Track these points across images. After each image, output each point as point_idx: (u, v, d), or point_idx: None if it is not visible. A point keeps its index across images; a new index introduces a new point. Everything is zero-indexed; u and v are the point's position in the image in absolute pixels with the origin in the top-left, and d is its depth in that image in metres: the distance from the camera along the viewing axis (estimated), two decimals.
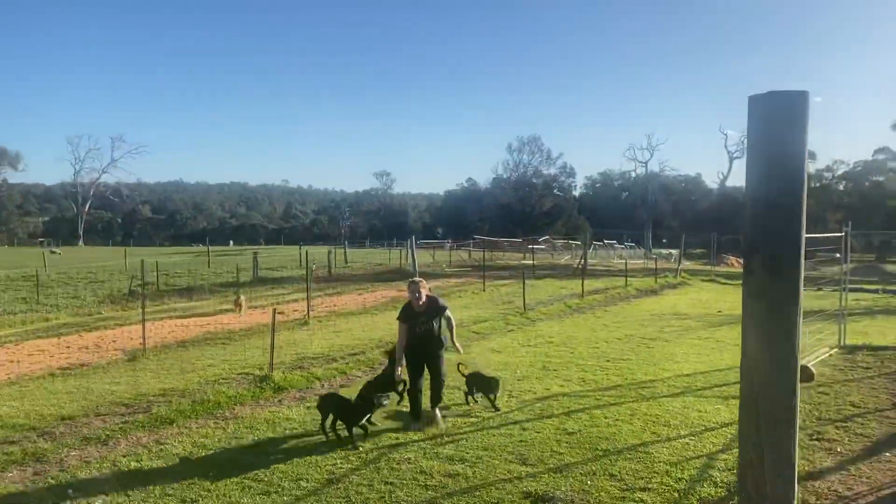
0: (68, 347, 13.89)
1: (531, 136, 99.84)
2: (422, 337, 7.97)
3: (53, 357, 12.71)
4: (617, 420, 8.09)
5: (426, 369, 8.11)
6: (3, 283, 28.55)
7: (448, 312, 8.20)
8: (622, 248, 57.28)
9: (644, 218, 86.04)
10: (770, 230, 3.33)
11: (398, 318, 8.11)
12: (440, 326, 8.09)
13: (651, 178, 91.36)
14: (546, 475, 6.40)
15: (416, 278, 8.27)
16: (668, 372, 10.87)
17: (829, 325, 13.11)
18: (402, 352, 8.03)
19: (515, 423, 8.04)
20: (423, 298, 7.91)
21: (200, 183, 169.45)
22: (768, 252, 3.32)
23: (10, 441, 7.33)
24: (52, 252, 59.60)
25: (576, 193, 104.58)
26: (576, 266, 32.10)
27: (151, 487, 6.10)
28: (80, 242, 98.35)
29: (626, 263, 36.63)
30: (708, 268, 40.74)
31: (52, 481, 6.24)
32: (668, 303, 22.55)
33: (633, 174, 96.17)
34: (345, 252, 45.12)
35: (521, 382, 10.13)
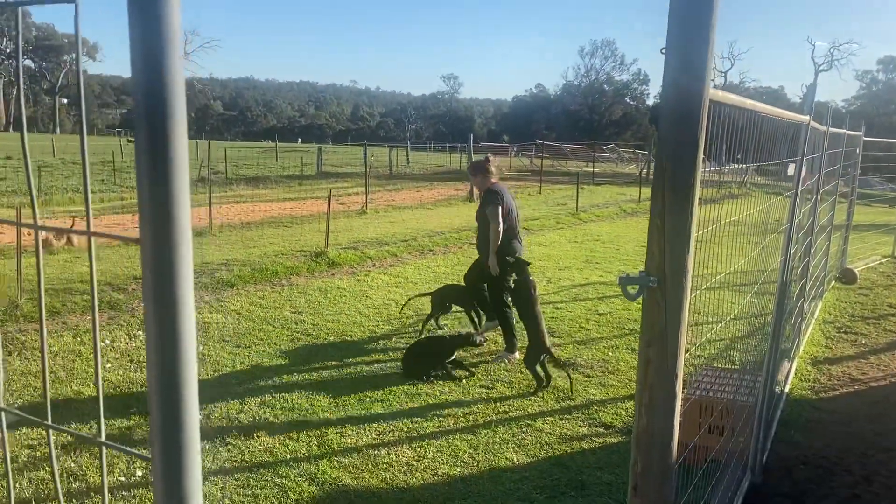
0: None
1: (605, 39, 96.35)
2: (479, 231, 7.02)
3: (127, 230, 13.66)
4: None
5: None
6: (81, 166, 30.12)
7: (490, 207, 6.53)
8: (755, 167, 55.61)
9: (719, 130, 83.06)
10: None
11: (495, 203, 6.51)
12: (483, 222, 6.73)
13: (730, 89, 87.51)
14: (571, 346, 6.84)
15: (484, 160, 6.84)
16: (709, 269, 11.02)
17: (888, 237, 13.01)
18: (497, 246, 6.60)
19: (550, 303, 8.45)
20: (487, 175, 6.67)
21: (270, 81, 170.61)
22: None
23: (88, 292, 8.13)
24: (129, 141, 61.89)
25: (649, 102, 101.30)
26: (639, 174, 31.69)
27: (210, 334, 6.80)
28: None
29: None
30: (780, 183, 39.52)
31: (124, 324, 7.00)
32: (729, 211, 22.25)
33: (712, 84, 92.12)
34: (407, 153, 45.45)
35: (561, 272, 10.49)
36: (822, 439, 4.90)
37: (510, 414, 5.18)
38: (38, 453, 4.29)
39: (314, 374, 5.86)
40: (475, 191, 18.88)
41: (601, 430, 4.93)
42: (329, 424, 4.86)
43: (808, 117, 4.06)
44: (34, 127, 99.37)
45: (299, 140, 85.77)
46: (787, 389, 5.67)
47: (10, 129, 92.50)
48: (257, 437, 4.60)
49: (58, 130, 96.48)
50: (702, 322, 4.41)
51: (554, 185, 27.99)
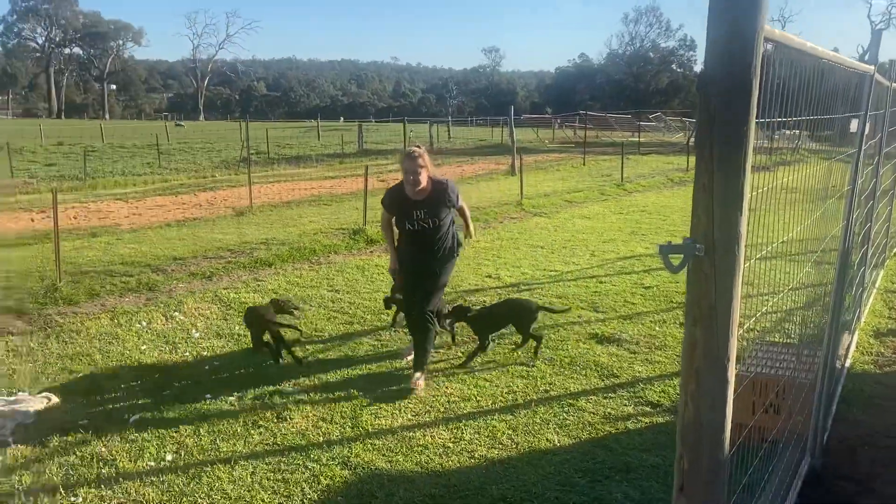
0: (184, 204, 14.96)
1: (649, 5, 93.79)
2: (418, 239, 5.16)
3: (170, 212, 13.75)
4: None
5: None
6: (130, 150, 30.65)
7: (462, 203, 5.36)
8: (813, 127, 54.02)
9: (769, 95, 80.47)
10: None
11: (382, 203, 5.34)
12: (450, 225, 5.26)
13: (780, 50, 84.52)
14: (616, 321, 6.57)
15: (415, 148, 5.09)
16: (762, 239, 10.58)
17: None
18: (394, 252, 5.39)
19: (593, 277, 8.17)
20: (424, 182, 4.98)
21: (312, 60, 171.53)
22: None
23: (128, 274, 8.14)
24: (178, 125, 62.93)
25: (696, 69, 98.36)
26: (686, 143, 30.82)
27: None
28: (201, 117, 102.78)
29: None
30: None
31: (161, 305, 6.96)
32: (783, 176, 21.48)
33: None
34: (448, 128, 45.09)
35: (605, 244, 10.17)
36: (887, 417, 4.56)
37: (551, 393, 4.96)
38: (70, 437, 4.24)
39: (349, 353, 5.73)
40: (516, 164, 18.53)
41: (647, 409, 4.68)
42: (363, 406, 4.71)
43: (872, 67, 3.70)
44: (84, 113, 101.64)
45: (341, 119, 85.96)
46: (848, 364, 5.33)
47: (62, 116, 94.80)
48: (290, 419, 4.48)
49: (107, 116, 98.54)
50: (754, 294, 4.13)
51: (598, 156, 27.41)
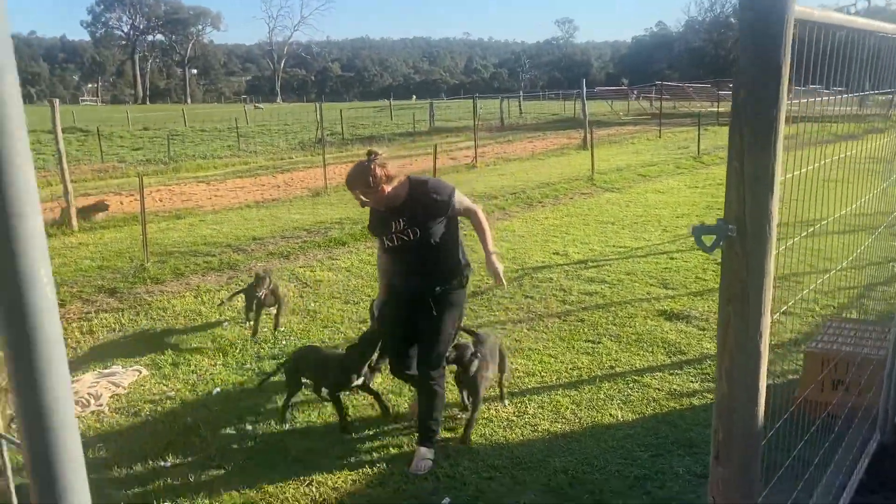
0: (262, 185, 15.47)
1: None
2: (399, 258, 3.92)
3: (249, 193, 14.26)
4: (776, 254, 7.88)
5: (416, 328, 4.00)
6: (211, 133, 31.76)
7: (460, 204, 3.84)
8: (828, 93, 51.63)
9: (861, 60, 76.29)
10: None
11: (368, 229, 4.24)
12: (448, 240, 3.85)
13: (874, 13, 79.93)
14: (685, 297, 6.52)
15: (353, 172, 3.75)
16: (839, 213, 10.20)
17: None
18: (382, 284, 4.23)
19: (664, 253, 8.10)
20: (381, 187, 3.69)
21: (385, 39, 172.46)
22: None
23: (210, 254, 8.55)
24: (256, 107, 64.65)
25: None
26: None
27: (321, 292, 6.99)
28: (279, 99, 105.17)
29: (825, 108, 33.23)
30: None
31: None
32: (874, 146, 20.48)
33: (853, 9, 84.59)
34: (519, 103, 44.73)
35: (678, 219, 10.01)
36: None
37: (617, 369, 5.00)
38: (160, 407, 4.57)
39: None
40: (588, 138, 18.11)
41: (714, 385, 4.67)
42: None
43: None
44: (168, 98, 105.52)
45: (413, 97, 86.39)
46: None
47: (147, 102, 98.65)
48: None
49: (189, 100, 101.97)
50: (817, 270, 4.05)
51: (674, 127, 26.74)
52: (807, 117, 2.17)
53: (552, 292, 6.76)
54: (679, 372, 4.90)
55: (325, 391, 4.37)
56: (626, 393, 4.62)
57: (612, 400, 4.52)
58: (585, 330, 5.76)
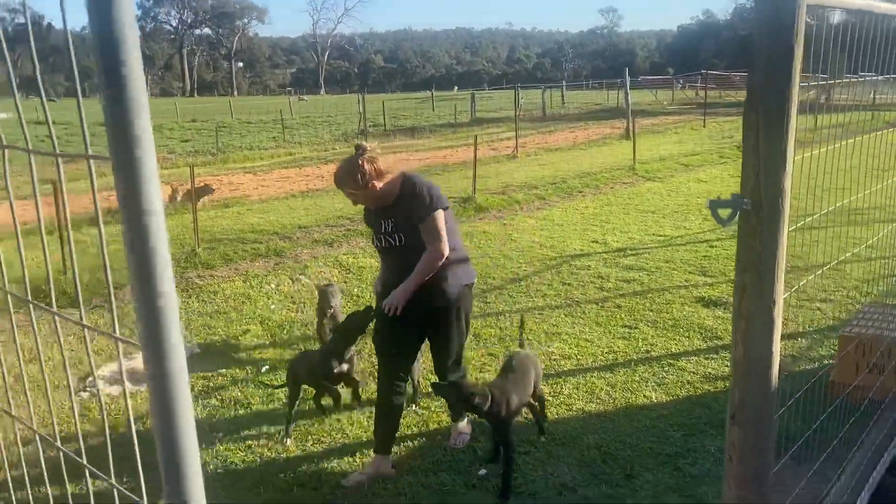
0: (307, 176, 15.78)
1: None
2: (387, 262, 3.74)
3: (294, 183, 14.57)
4: (815, 241, 7.82)
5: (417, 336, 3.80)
6: (257, 125, 32.37)
7: (432, 224, 3.44)
8: (881, 80, 50.12)
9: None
10: None
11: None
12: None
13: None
14: (724, 284, 6.54)
15: (343, 167, 3.55)
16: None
17: None
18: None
19: (704, 241, 8.10)
20: (371, 183, 3.48)
21: (427, 30, 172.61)
22: None
23: (257, 241, 8.81)
24: (301, 99, 65.51)
25: (833, 21, 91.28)
26: (821, 101, 28.96)
27: (364, 277, 7.19)
28: (322, 91, 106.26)
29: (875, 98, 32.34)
30: None
31: (288, 269, 7.55)
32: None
33: None
34: (562, 93, 44.47)
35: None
36: None
37: (652, 353, 5.08)
38: (211, 383, 4.81)
39: None
40: (631, 127, 18.00)
41: None
42: (467, 361, 5.02)
43: None
44: (214, 90, 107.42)
45: (455, 88, 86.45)
46: None
47: (194, 94, 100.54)
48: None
49: (235, 92, 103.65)
50: (860, 259, 4.06)
51: (719, 117, 26.36)
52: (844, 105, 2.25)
53: (590, 279, 6.85)
54: (715, 356, 4.96)
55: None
56: (660, 376, 4.70)
57: (647, 382, 4.61)
58: (622, 315, 5.84)
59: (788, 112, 1.53)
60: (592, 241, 8.33)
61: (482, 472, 3.60)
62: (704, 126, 23.58)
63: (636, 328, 5.55)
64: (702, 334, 5.37)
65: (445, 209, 3.51)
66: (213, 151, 22.12)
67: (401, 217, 3.51)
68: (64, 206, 7.66)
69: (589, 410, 4.25)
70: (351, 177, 3.46)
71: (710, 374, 4.69)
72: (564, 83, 55.11)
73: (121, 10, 0.71)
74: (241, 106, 48.56)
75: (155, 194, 0.78)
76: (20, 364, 1.43)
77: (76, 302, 4.90)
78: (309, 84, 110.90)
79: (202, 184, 11.85)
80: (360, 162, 3.45)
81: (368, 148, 3.52)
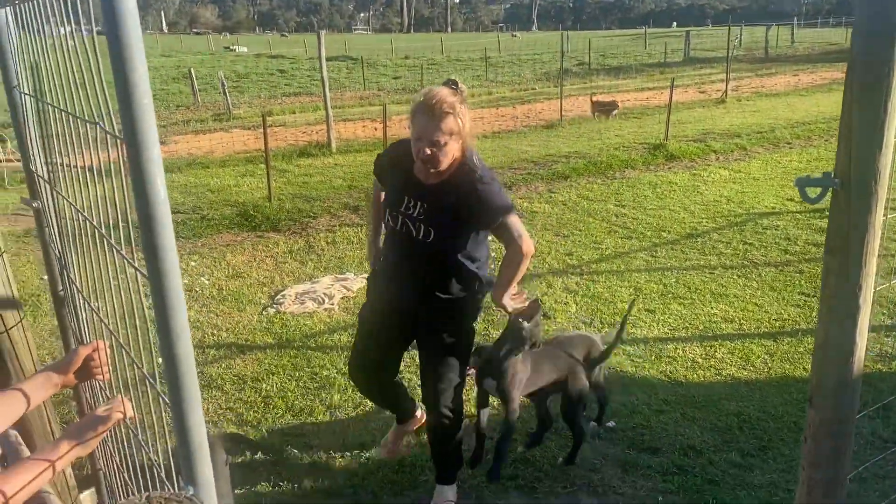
0: (502, 116, 15.97)
1: None
2: (398, 251, 2.81)
3: (488, 123, 14.80)
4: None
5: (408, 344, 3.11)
6: (465, 63, 32.91)
7: (507, 222, 2.59)
8: None
9: None
10: None
11: (375, 164, 3.04)
12: (467, 255, 2.72)
13: None
14: None
15: (438, 93, 2.52)
16: None
17: None
18: (372, 245, 3.14)
19: None
20: (445, 164, 2.55)
21: None
22: None
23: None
24: (513, 36, 65.41)
25: None
26: None
27: (534, 223, 7.30)
28: (535, 27, 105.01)
29: None
30: None
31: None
32: None
33: None
34: (792, 31, 40.41)
35: None
36: None
37: None
38: None
39: (621, 266, 6.00)
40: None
41: None
42: (623, 313, 5.01)
43: None
44: (430, 26, 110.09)
45: (674, 24, 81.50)
46: None
47: (411, 30, 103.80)
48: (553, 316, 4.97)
49: (449, 29, 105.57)
50: None
51: None
52: None
53: (774, 240, 6.44)
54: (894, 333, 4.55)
55: None
56: None
57: (811, 354, 4.35)
58: (802, 282, 5.48)
59: (886, 90, 1.43)
60: (787, 199, 7.75)
61: (611, 423, 3.66)
62: None
63: (814, 296, 5.19)
64: (889, 309, 4.92)
65: (511, 206, 2.66)
66: (417, 89, 22.94)
67: (437, 207, 2.61)
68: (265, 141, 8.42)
69: (739, 377, 4.13)
70: (455, 112, 2.50)
71: (887, 352, 4.33)
72: (795, 20, 49.89)
73: None
74: (450, 45, 49.49)
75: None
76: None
77: (276, 227, 5.48)
78: (521, 20, 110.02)
79: (609, 99, 14.82)
80: (462, 97, 2.57)
81: (462, 85, 2.64)
